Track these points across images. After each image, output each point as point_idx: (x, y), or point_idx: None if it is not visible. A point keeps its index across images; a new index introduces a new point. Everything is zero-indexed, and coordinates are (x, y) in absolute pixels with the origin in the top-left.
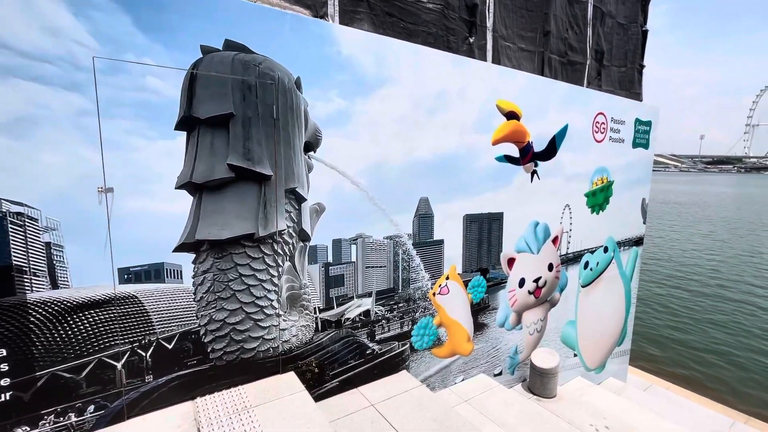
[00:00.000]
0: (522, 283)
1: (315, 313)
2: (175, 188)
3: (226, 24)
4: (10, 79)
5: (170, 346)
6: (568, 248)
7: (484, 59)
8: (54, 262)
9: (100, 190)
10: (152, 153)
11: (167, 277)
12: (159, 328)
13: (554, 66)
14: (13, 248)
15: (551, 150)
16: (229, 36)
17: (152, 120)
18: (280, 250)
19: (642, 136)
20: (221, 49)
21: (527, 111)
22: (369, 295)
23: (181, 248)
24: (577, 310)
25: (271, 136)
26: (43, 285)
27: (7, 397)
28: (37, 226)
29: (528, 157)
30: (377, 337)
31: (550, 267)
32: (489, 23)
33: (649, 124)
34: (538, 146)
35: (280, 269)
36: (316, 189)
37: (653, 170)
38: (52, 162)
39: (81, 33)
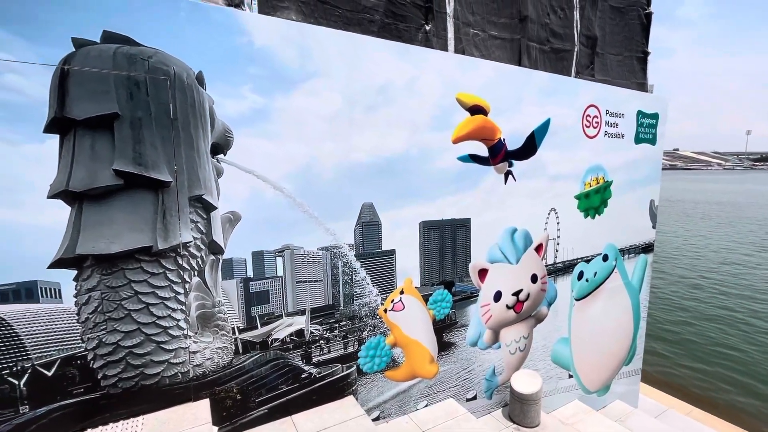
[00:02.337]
0: (498, 296)
1: (233, 333)
2: (48, 197)
3: (104, 14)
4: None
5: (50, 373)
6: (556, 257)
7: (445, 49)
8: None
9: None
10: (17, 159)
11: (42, 296)
12: (34, 353)
13: (534, 55)
14: None
15: (530, 147)
16: (110, 27)
17: (15, 122)
18: (185, 264)
19: (647, 130)
20: (99, 41)
21: (497, 105)
22: (302, 312)
23: (58, 264)
24: (570, 325)
25: (168, 138)
26: None
27: None
28: None
29: (500, 156)
30: (314, 360)
31: (534, 278)
32: (449, 9)
33: (655, 117)
34: (513, 144)
35: (187, 285)
36: (229, 196)
37: (693, 168)
38: None
39: None
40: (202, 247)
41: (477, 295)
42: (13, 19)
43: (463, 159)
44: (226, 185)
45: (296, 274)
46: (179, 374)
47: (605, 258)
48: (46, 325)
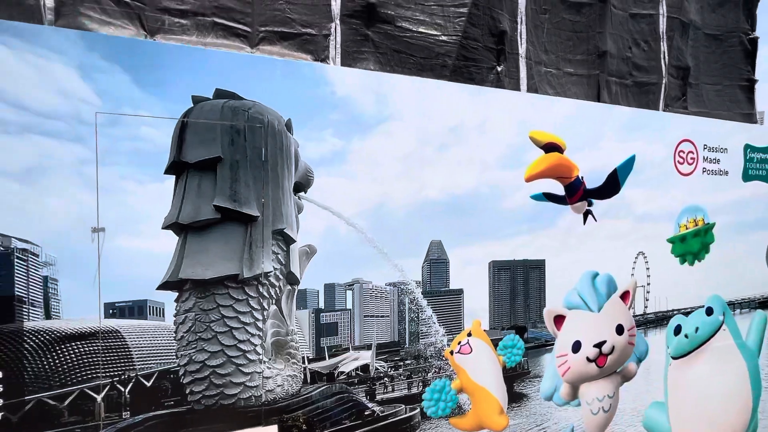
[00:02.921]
0: (577, 347)
1: (303, 363)
2: (162, 228)
3: (217, 75)
4: (25, 135)
5: (149, 384)
6: (646, 307)
7: (518, 88)
8: (49, 294)
9: (93, 229)
10: (143, 196)
11: (150, 314)
12: (139, 365)
13: (614, 89)
14: (17, 281)
15: (612, 186)
16: (221, 85)
17: (144, 166)
18: (265, 293)
19: (758, 166)
20: (212, 98)
21: (574, 142)
22: (368, 347)
23: (164, 286)
24: (667, 388)
25: (259, 178)
26: (39, 315)
27: None
28: (38, 261)
29: (578, 194)
30: (378, 397)
31: (620, 329)
32: (521, 50)
33: (766, 150)
34: (592, 182)
35: (265, 313)
36: (307, 231)
37: None
38: (55, 205)
39: (87, 92)
40: (281, 277)
41: (553, 344)
42: (149, 84)
43: (536, 198)
44: (305, 220)
45: (364, 308)
46: (253, 398)
47: (709, 312)
48: (150, 340)
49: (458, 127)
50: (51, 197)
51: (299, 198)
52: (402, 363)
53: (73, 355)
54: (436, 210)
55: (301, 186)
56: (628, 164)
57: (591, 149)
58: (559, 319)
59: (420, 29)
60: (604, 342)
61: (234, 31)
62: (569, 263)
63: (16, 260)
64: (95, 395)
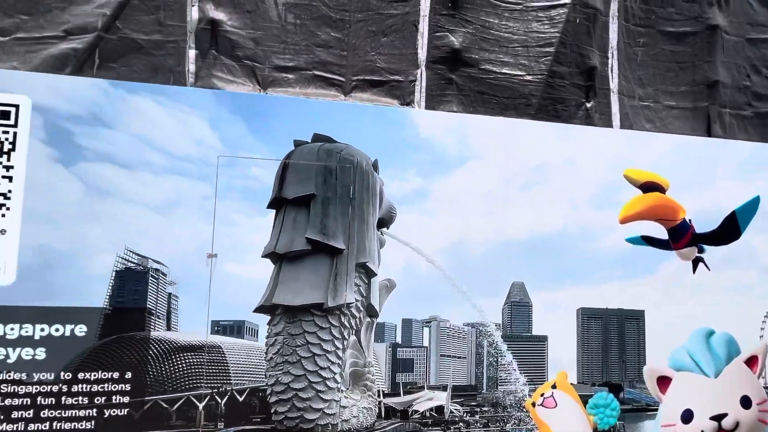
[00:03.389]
0: (688, 417)
1: (379, 396)
2: (262, 256)
3: (315, 121)
4: (165, 174)
5: (241, 399)
6: None
7: (609, 125)
8: (171, 309)
9: (208, 255)
10: (249, 227)
11: (246, 334)
12: (234, 380)
13: (728, 122)
14: (149, 295)
15: (730, 231)
16: (319, 130)
17: (252, 201)
18: (347, 323)
19: None
20: (310, 141)
21: (680, 181)
22: (443, 388)
23: (259, 310)
24: None
25: (346, 213)
26: (162, 326)
27: (125, 413)
28: (166, 280)
29: (685, 239)
30: None
31: (746, 402)
32: (613, 85)
33: None
34: (704, 225)
35: (345, 342)
36: (387, 265)
37: None
38: (181, 233)
39: (213, 139)
40: (361, 309)
41: (656, 409)
42: (260, 131)
43: (633, 241)
44: (386, 255)
45: (441, 346)
46: (330, 425)
47: None
48: (245, 358)
49: (544, 166)
50: (179, 227)
51: (382, 233)
52: (479, 409)
53: (184, 365)
54: (519, 250)
55: (384, 222)
56: (751, 206)
57: (701, 189)
58: (663, 381)
59: (504, 70)
60: (724, 415)
61: (331, 82)
62: (674, 317)
63: (150, 278)
64: (198, 403)
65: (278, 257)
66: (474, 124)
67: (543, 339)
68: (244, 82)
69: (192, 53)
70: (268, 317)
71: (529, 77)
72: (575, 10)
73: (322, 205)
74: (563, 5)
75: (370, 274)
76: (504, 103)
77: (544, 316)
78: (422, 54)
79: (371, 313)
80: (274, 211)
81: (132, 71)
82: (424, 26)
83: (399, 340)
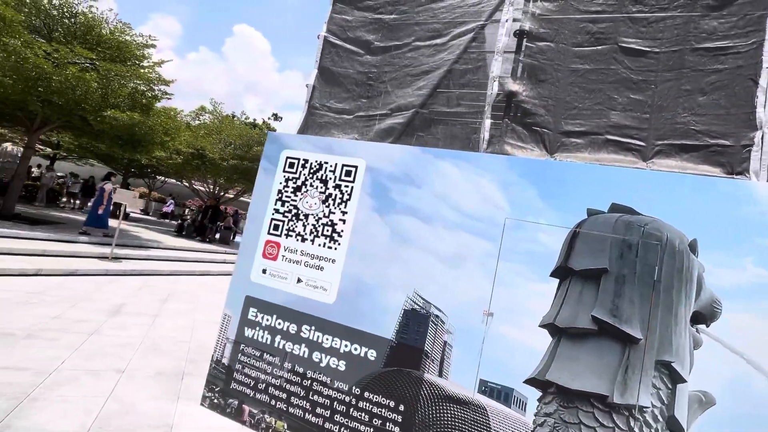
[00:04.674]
0: None
1: None
2: (539, 326)
3: (614, 190)
4: (456, 230)
5: None
6: None
7: None
8: (444, 357)
9: (484, 312)
10: (528, 292)
11: (513, 403)
12: None
13: None
14: (427, 338)
15: None
16: (616, 200)
17: (535, 266)
18: (637, 430)
19: None
20: (607, 211)
21: None
22: None
23: (530, 382)
24: None
25: (647, 298)
26: (435, 370)
27: None
28: (444, 328)
29: None
30: None
31: None
32: None
33: None
34: None
35: None
36: (704, 373)
37: None
38: (462, 285)
39: (502, 201)
40: (660, 419)
41: None
42: (550, 196)
43: None
44: (702, 359)
45: None
46: None
47: None
48: (506, 428)
49: None
50: (462, 279)
51: (698, 331)
52: None
53: (449, 415)
54: None
55: (703, 317)
56: None
57: None
58: None
59: None
60: None
61: (626, 146)
62: None
63: (430, 322)
64: None
65: (557, 330)
66: None
67: None
68: (531, 147)
69: (488, 122)
70: (539, 393)
71: None
72: None
73: (616, 283)
74: None
75: (675, 378)
76: None
77: None
78: (763, 114)
79: (673, 428)
80: (557, 280)
81: (435, 139)
82: (766, 80)
83: None
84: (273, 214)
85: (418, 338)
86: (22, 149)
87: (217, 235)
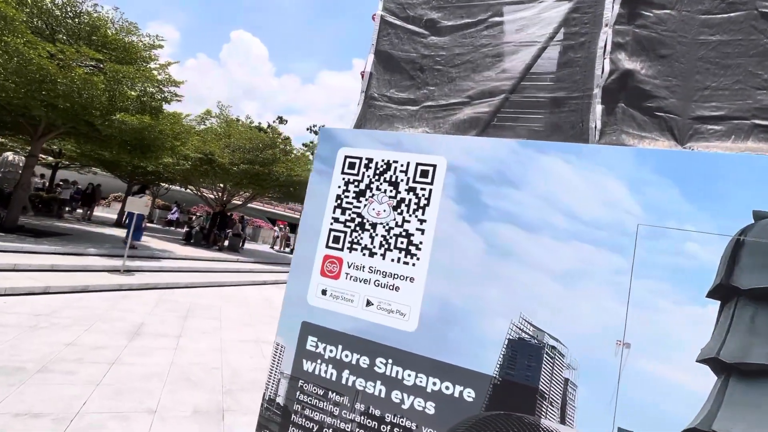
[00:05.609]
0: None
1: None
2: (696, 361)
3: None
4: (571, 241)
5: None
6: None
7: None
8: (567, 399)
9: (618, 343)
10: (676, 317)
11: None
12: None
13: None
14: (542, 375)
15: None
16: None
17: (681, 284)
18: None
19: None
20: None
21: None
22: None
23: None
24: None
25: None
26: (555, 416)
27: None
28: (563, 361)
29: None
30: None
31: None
32: None
33: None
34: None
35: None
36: None
37: None
38: (585, 310)
39: (630, 203)
40: None
41: None
42: (699, 197)
43: None
44: None
45: None
46: None
47: None
48: None
49: None
50: (583, 301)
51: None
52: None
53: None
54: None
55: None
56: None
57: None
58: None
59: None
60: None
61: None
62: None
63: (545, 355)
64: None
65: (724, 367)
66: None
67: None
68: (655, 137)
69: (599, 108)
70: None
71: None
72: None
73: None
74: None
75: None
76: None
77: None
78: None
79: None
80: (716, 302)
81: (531, 130)
82: None
83: None
84: (332, 224)
85: (530, 375)
86: (24, 158)
87: (226, 243)
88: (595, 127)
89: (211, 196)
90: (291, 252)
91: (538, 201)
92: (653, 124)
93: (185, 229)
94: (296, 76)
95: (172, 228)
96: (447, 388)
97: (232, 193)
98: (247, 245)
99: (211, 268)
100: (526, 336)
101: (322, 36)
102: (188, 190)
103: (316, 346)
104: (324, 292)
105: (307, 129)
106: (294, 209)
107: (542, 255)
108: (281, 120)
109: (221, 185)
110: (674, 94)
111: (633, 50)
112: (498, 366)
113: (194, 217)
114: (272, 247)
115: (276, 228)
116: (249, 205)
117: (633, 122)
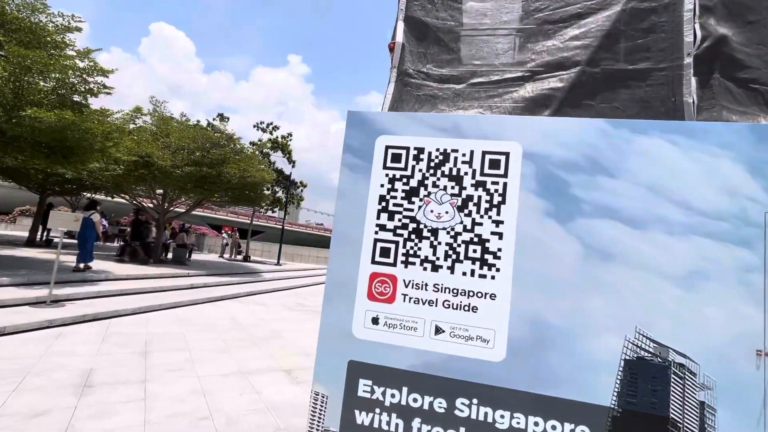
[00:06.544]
0: None
1: None
2: None
3: None
4: (689, 236)
5: None
6: None
7: None
8: (705, 426)
9: (758, 353)
10: None
11: None
12: None
13: None
14: (672, 400)
15: None
16: None
17: None
18: None
19: None
20: None
21: None
22: None
23: None
24: None
25: None
26: None
27: None
28: (695, 381)
29: None
30: None
31: None
32: None
33: None
34: None
35: None
36: None
37: None
38: (715, 317)
39: (755, 189)
40: None
41: None
42: None
43: None
44: None
45: None
46: None
47: None
48: None
49: None
50: (711, 307)
51: None
52: None
53: None
54: None
55: None
56: None
57: None
58: None
59: None
60: None
61: None
62: None
63: (672, 375)
64: None
65: None
66: None
67: None
68: (755, 111)
69: (693, 80)
70: None
71: None
72: None
73: None
74: None
75: None
76: None
77: None
78: None
79: None
80: None
81: (613, 108)
82: None
83: None
84: (377, 232)
85: (657, 401)
86: None
87: (170, 255)
88: (693, 102)
89: (150, 204)
90: (244, 260)
91: (641, 190)
92: (749, 98)
93: (118, 244)
94: (228, 73)
95: (100, 243)
96: (554, 428)
97: (173, 199)
98: (194, 256)
99: (160, 287)
100: (647, 354)
101: (253, 30)
102: (121, 199)
103: (372, 392)
104: (375, 321)
105: (254, 126)
106: (237, 213)
107: (655, 254)
108: (222, 117)
109: (160, 191)
110: (767, 63)
111: (721, 15)
112: (615, 394)
113: (127, 230)
114: (221, 256)
115: (224, 234)
116: (195, 212)
117: (729, 95)
